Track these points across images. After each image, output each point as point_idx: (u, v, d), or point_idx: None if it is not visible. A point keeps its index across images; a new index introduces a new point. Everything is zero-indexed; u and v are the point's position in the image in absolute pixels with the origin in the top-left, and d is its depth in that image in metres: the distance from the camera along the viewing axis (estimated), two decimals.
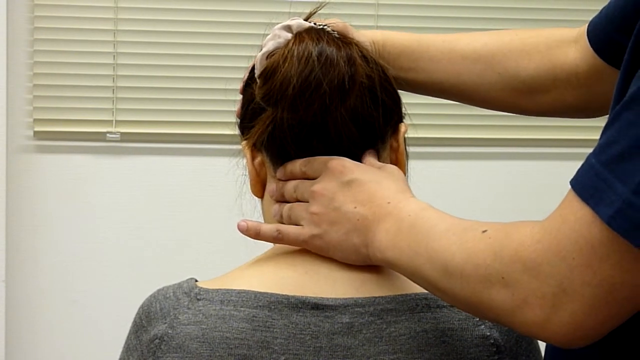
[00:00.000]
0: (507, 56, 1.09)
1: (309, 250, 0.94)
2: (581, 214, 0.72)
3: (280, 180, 0.97)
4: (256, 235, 0.95)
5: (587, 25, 1.06)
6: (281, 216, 0.96)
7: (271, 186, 0.98)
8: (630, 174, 0.69)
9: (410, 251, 0.85)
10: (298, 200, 0.95)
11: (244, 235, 0.96)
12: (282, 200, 0.97)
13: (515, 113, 1.15)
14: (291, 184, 0.95)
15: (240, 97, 1.02)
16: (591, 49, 1.04)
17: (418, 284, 0.87)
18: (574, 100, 1.09)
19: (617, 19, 0.98)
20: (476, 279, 0.78)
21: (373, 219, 0.89)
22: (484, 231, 0.79)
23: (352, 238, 0.90)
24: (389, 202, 0.89)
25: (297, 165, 0.95)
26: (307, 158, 0.94)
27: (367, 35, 1.06)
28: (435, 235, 0.83)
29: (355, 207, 0.90)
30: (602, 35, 1.02)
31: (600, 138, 0.74)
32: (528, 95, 1.10)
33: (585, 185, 0.72)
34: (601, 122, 0.77)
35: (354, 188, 0.91)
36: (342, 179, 0.91)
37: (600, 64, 1.04)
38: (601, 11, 1.03)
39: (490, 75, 1.10)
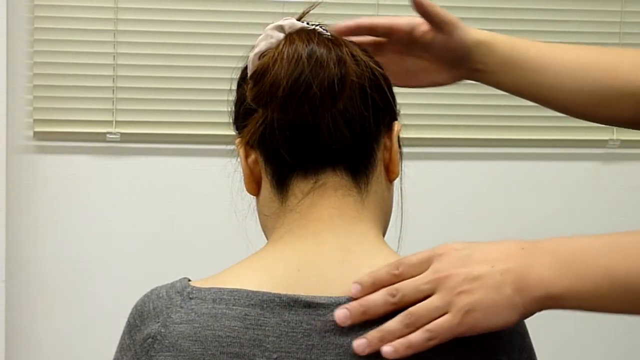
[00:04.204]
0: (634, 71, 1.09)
1: (305, 248, 0.93)
2: None
3: (355, 298, 0.87)
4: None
5: None
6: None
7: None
8: None
9: (588, 277, 0.84)
10: (396, 308, 0.86)
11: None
12: (367, 319, 0.87)
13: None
14: (384, 291, 0.87)
15: None
16: None
17: (619, 308, 0.86)
18: None
19: None
20: None
21: (517, 264, 0.85)
22: None
23: (504, 290, 0.85)
24: (523, 248, 0.86)
25: (382, 272, 0.88)
26: (390, 264, 0.88)
27: (473, 34, 1.12)
28: (610, 254, 0.83)
29: (492, 267, 0.86)
30: None
31: None
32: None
33: None
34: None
35: (478, 254, 0.87)
36: (460, 254, 0.87)
37: None
38: None
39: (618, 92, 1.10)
